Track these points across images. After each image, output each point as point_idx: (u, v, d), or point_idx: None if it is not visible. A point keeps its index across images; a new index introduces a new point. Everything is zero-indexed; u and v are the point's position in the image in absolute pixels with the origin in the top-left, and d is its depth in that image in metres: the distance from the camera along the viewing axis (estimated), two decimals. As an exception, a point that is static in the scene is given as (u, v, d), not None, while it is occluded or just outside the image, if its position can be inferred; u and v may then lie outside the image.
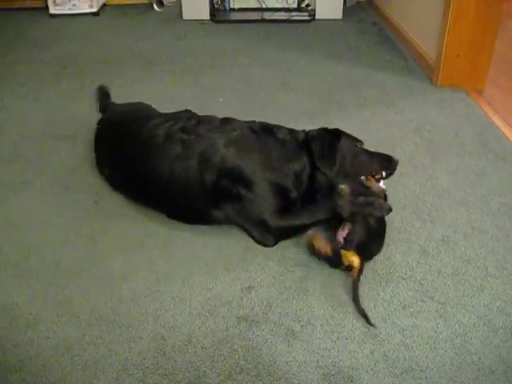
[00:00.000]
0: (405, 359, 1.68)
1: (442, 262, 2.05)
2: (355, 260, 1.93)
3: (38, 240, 2.17)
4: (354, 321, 1.80)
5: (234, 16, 4.82)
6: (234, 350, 1.72)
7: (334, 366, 1.66)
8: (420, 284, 1.95)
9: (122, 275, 2.00)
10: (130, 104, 2.74)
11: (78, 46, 4.26)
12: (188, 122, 2.26)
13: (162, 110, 2.88)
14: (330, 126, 2.91)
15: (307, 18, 4.74)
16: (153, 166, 2.19)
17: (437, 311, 1.84)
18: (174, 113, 2.57)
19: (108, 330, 1.79)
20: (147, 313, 1.86)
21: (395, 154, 2.65)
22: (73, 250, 2.13)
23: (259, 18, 4.74)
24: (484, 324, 1.79)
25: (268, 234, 2.08)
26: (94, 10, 4.92)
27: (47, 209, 2.35)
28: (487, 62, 3.36)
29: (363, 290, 1.91)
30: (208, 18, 4.72)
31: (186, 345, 1.74)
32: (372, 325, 1.78)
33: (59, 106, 3.26)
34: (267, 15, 4.76)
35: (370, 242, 2.00)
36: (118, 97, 3.11)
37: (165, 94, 3.39)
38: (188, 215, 2.22)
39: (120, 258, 2.08)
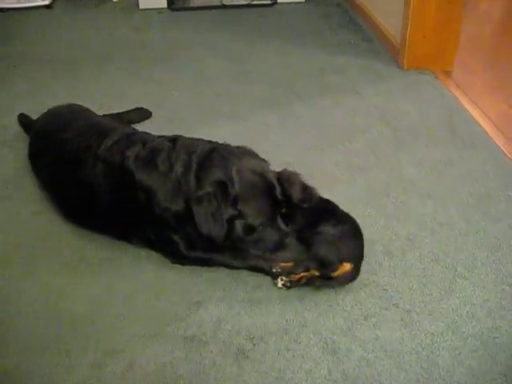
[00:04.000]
0: (366, 378, 1.52)
1: (408, 263, 1.90)
2: (347, 266, 1.75)
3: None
4: (311, 335, 1.65)
5: (193, 3, 4.58)
6: (179, 376, 1.56)
7: (289, 389, 1.51)
8: (383, 290, 1.80)
9: (61, 294, 1.83)
10: (58, 108, 2.49)
11: (29, 43, 3.98)
12: (97, 138, 2.02)
13: (115, 108, 2.74)
14: (292, 117, 2.75)
15: (269, 2, 4.53)
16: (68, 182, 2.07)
17: (401, 320, 1.69)
18: (106, 115, 2.46)
19: (45, 357, 1.63)
20: (87, 336, 1.69)
21: (358, 144, 2.54)
22: (9, 267, 1.95)
23: (219, 3, 4.51)
24: (452, 332, 1.64)
25: (181, 260, 1.94)
26: (46, 2, 4.65)
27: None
28: (455, 43, 3.21)
29: (319, 301, 1.76)
30: (165, 6, 4.48)
31: (127, 370, 1.58)
32: None
33: (6, 108, 3.04)
34: (227, 1, 4.52)
35: (342, 245, 1.79)
36: (70, 97, 2.89)
37: (118, 91, 3.18)
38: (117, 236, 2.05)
39: (59, 275, 1.91)
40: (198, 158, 1.82)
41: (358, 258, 1.79)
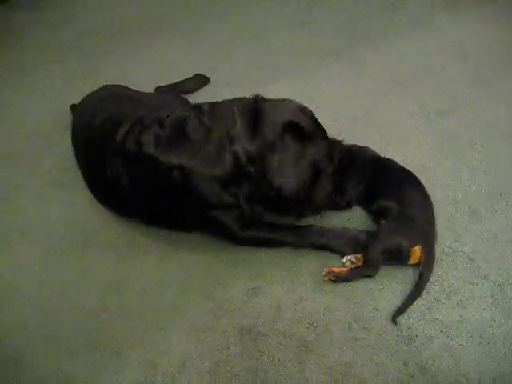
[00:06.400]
0: (449, 370, 1.30)
1: (499, 224, 1.63)
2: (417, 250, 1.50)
3: (28, 255, 1.89)
4: (384, 321, 1.42)
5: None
6: (235, 375, 1.41)
7: (358, 387, 1.30)
8: (469, 259, 1.53)
9: (113, 287, 1.73)
10: (88, 99, 2.29)
11: (83, 23, 3.89)
12: (112, 130, 1.83)
13: (173, 77, 2.64)
14: (356, 65, 2.52)
15: None
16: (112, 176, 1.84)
17: (492, 296, 1.44)
18: (161, 87, 2.40)
19: (95, 359, 1.54)
20: (137, 332, 1.58)
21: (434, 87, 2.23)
22: (60, 264, 1.85)
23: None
24: (558, 308, 1.36)
25: (236, 242, 1.74)
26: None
27: (42, 213, 2.06)
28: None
29: (393, 277, 1.52)
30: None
31: (179, 372, 1.46)
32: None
33: (63, 93, 2.94)
34: None
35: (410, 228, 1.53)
36: (124, 72, 2.83)
37: (171, 60, 3.00)
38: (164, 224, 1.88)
39: (111, 266, 1.80)
40: (242, 111, 1.56)
41: (429, 235, 1.52)
